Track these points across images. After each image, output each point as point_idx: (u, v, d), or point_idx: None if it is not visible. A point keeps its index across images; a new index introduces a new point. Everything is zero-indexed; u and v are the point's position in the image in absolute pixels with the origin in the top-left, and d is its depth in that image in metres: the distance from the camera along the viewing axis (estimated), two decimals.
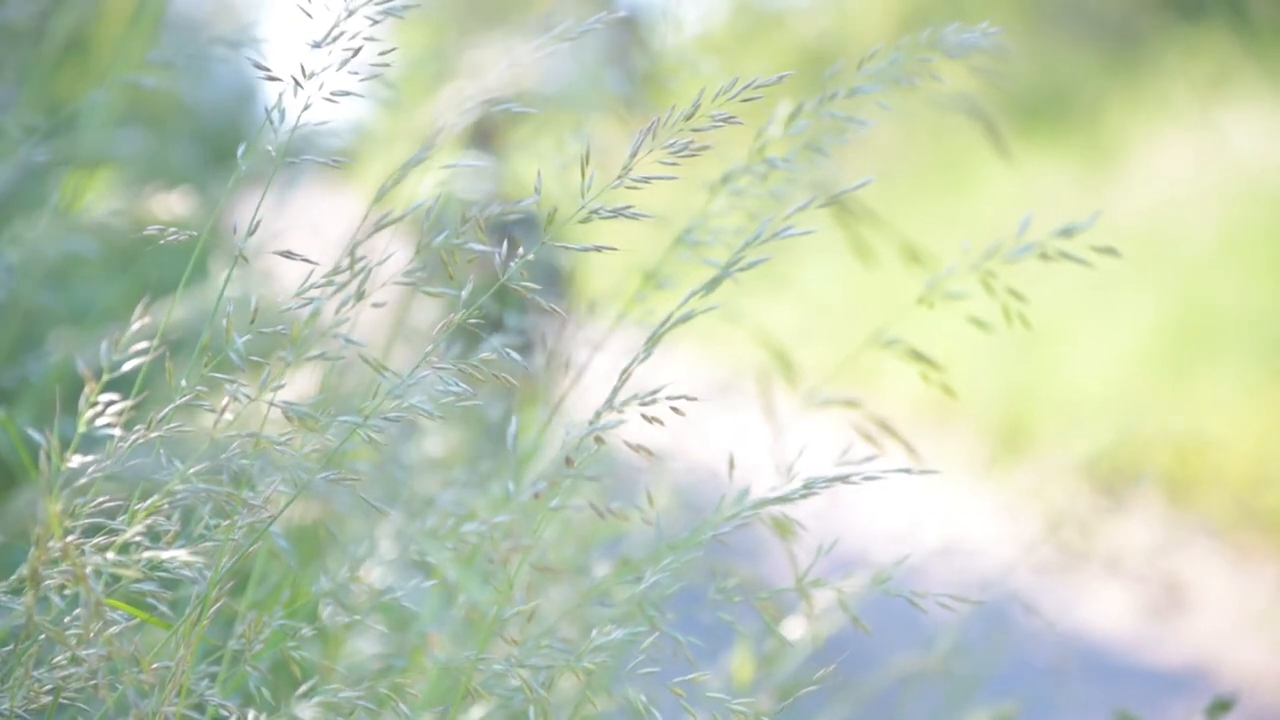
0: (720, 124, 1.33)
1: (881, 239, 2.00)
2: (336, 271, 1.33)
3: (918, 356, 1.73)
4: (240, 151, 1.40)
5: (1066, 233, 1.58)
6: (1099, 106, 8.81)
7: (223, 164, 2.87)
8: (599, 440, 1.38)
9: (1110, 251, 1.56)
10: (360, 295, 1.32)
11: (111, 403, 1.41)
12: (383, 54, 1.37)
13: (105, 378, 1.40)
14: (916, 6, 10.35)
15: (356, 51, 1.36)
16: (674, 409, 1.36)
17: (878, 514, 4.38)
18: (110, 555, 1.33)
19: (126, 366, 1.42)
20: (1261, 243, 6.81)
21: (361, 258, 1.33)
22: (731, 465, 1.52)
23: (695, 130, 1.34)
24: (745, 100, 1.34)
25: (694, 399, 1.36)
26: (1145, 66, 8.76)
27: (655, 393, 1.38)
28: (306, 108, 1.35)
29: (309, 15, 1.36)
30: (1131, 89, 8.66)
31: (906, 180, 8.57)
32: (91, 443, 1.40)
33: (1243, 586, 5.12)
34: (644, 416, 1.37)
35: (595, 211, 1.33)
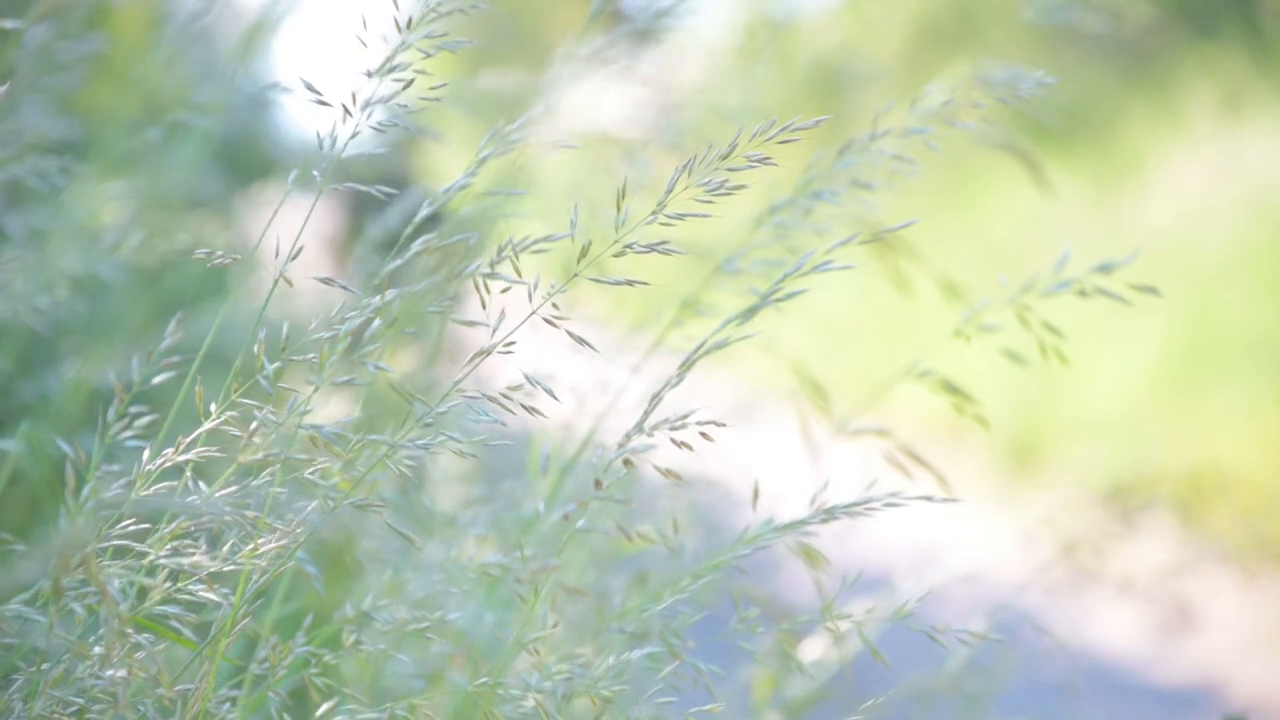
0: (755, 164, 1.34)
1: (914, 269, 2.01)
2: (366, 303, 1.34)
3: (951, 388, 1.73)
4: (291, 178, 1.41)
5: (1105, 269, 1.60)
6: (1113, 123, 8.80)
7: (240, 176, 2.87)
8: (629, 464, 1.39)
9: (1151, 291, 1.58)
10: (392, 322, 1.32)
11: (140, 415, 1.41)
12: (433, 88, 1.37)
13: (135, 390, 1.41)
14: (931, 23, 10.35)
15: (409, 83, 1.37)
16: (703, 434, 1.36)
17: (892, 530, 4.38)
18: (133, 565, 1.34)
19: (156, 380, 1.43)
20: (1275, 261, 6.80)
21: (395, 288, 1.34)
22: (756, 494, 1.52)
23: (731, 170, 1.35)
24: (782, 143, 1.35)
25: (723, 424, 1.37)
26: (1160, 84, 8.75)
27: (685, 417, 1.38)
28: (354, 136, 1.37)
29: (365, 45, 1.37)
30: (1146, 106, 8.66)
31: (919, 196, 8.56)
32: (115, 457, 1.41)
33: (1253, 606, 5.12)
34: (674, 441, 1.37)
35: (630, 246, 1.34)
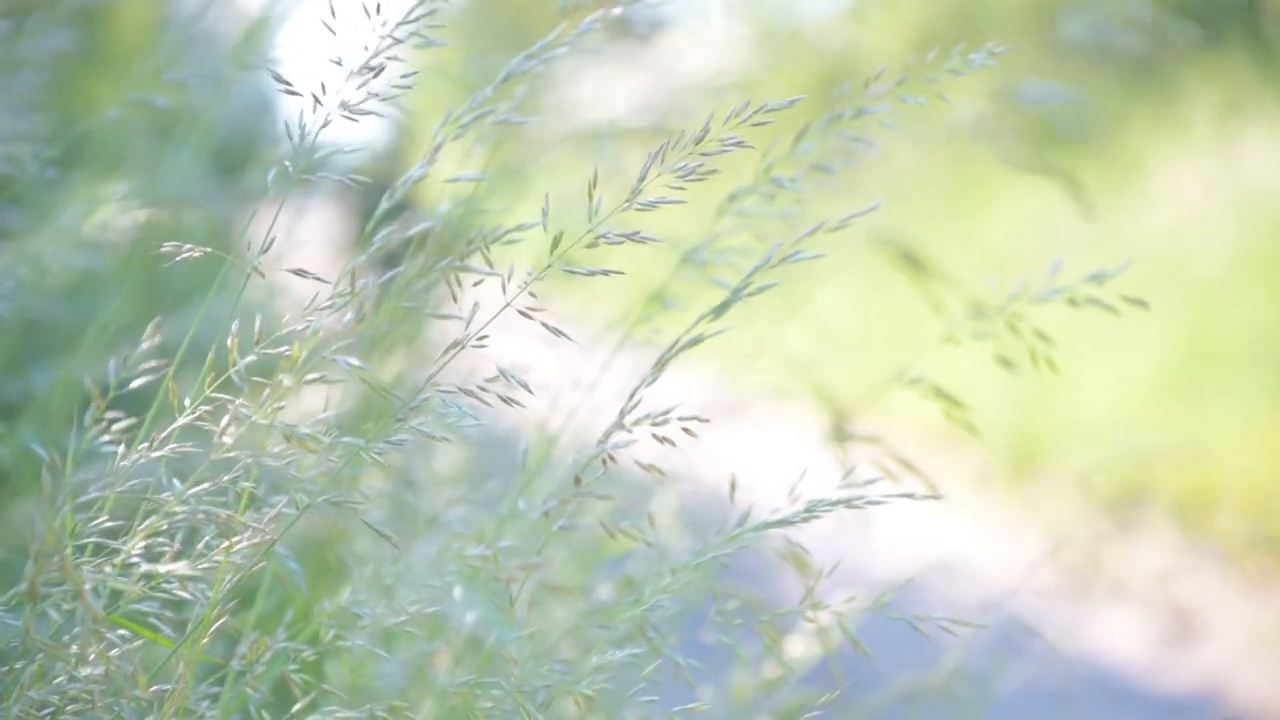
0: (730, 148, 1.33)
1: (917, 276, 2.00)
2: (339, 294, 1.33)
3: (941, 395, 1.73)
4: (271, 175, 1.40)
5: (1097, 278, 1.60)
6: (1115, 129, 8.80)
7: (237, 177, 2.87)
8: (609, 460, 1.38)
9: (1140, 304, 1.58)
10: (363, 317, 1.31)
11: (116, 420, 1.40)
12: (405, 76, 1.36)
13: (112, 394, 1.40)
14: (932, 28, 10.36)
15: (379, 71, 1.36)
16: (685, 430, 1.35)
17: (888, 537, 4.37)
18: (109, 570, 1.33)
19: (135, 384, 1.42)
20: (1275, 267, 6.79)
21: (364, 280, 1.33)
22: (733, 487, 1.51)
23: (705, 154, 1.34)
24: (757, 125, 1.33)
25: (706, 420, 1.35)
26: (1162, 90, 8.75)
27: (667, 413, 1.37)
28: (325, 125, 1.36)
29: (332, 32, 1.36)
30: (1148, 113, 8.65)
31: (921, 200, 8.55)
32: (94, 458, 1.40)
33: (1253, 611, 5.11)
34: (655, 437, 1.36)
35: (603, 236, 1.33)
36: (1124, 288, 1.65)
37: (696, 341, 1.39)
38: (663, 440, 1.37)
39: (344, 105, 1.36)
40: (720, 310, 1.40)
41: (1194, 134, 8.11)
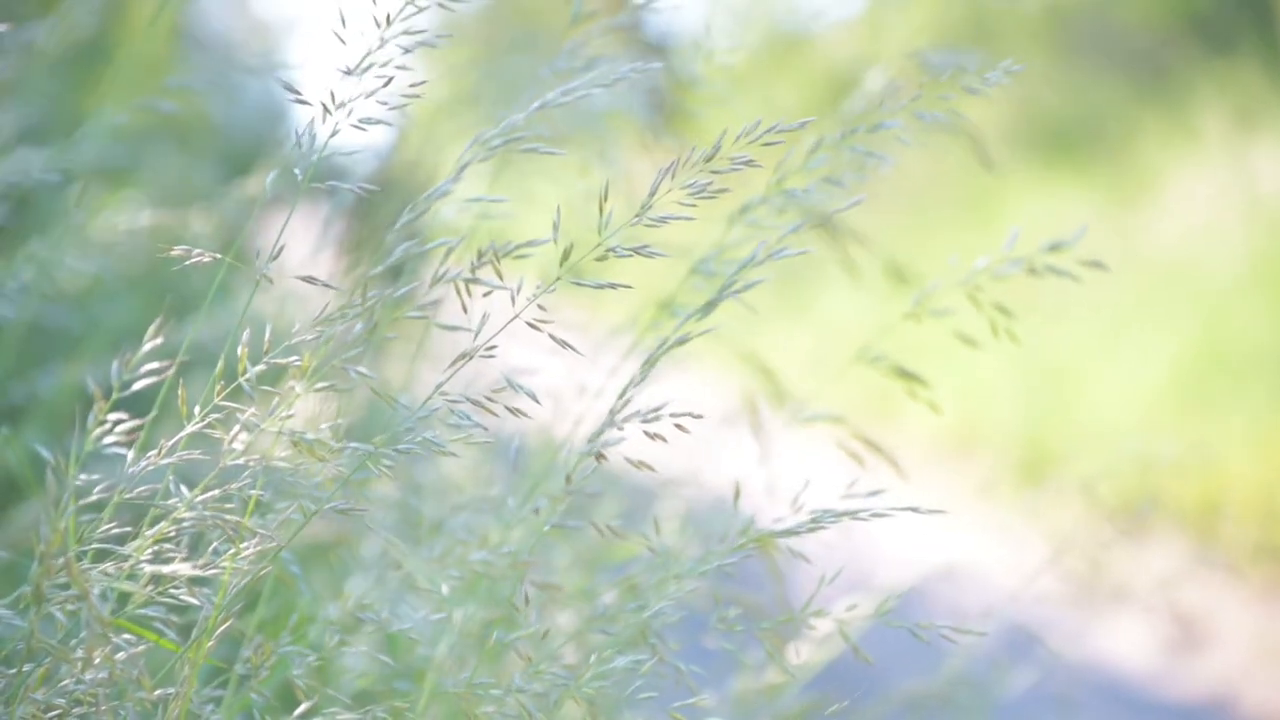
0: (740, 167, 1.33)
1: (872, 260, 2.01)
2: (350, 305, 1.34)
3: (903, 374, 1.73)
4: (270, 179, 1.41)
5: (1055, 248, 1.61)
6: (1128, 138, 8.80)
7: (247, 184, 2.89)
8: (600, 457, 1.38)
9: (1097, 265, 1.58)
10: (374, 327, 1.32)
11: (120, 422, 1.41)
12: (413, 85, 1.37)
13: (115, 396, 1.41)
14: (945, 36, 10.35)
15: (388, 81, 1.37)
16: (678, 426, 1.36)
17: (894, 543, 4.37)
18: (114, 573, 1.33)
19: (137, 386, 1.42)
20: None
21: (374, 291, 1.34)
22: (737, 494, 1.52)
23: (715, 172, 1.34)
24: (767, 144, 1.34)
25: (698, 416, 1.36)
26: (1175, 98, 8.74)
27: (658, 410, 1.38)
28: (335, 134, 1.36)
29: (342, 41, 1.37)
30: (1161, 121, 8.65)
31: (934, 213, 8.56)
32: (100, 462, 1.41)
33: (1259, 621, 5.11)
34: (646, 434, 1.36)
35: (613, 250, 1.33)
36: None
37: (684, 340, 1.39)
38: (654, 437, 1.37)
39: (353, 114, 1.36)
40: (708, 309, 1.40)
41: (1206, 142, 8.10)
